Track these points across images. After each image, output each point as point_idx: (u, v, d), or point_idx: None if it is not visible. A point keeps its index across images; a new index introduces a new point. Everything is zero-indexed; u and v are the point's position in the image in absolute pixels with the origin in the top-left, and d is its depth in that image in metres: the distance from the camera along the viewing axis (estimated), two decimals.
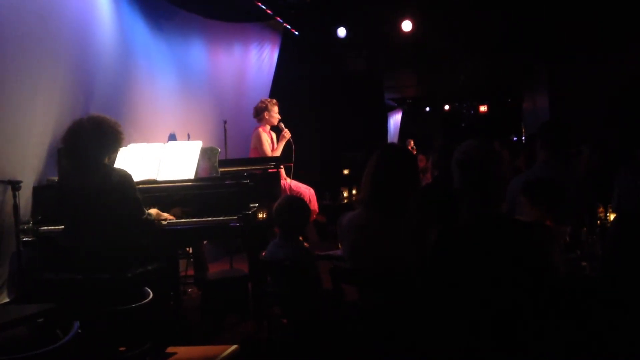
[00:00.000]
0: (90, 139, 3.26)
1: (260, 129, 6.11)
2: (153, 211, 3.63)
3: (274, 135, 6.22)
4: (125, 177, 3.31)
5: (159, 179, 4.08)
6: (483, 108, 18.39)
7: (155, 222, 3.60)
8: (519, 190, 3.29)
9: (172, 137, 5.78)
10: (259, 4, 7.45)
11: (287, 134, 6.06)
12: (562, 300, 2.34)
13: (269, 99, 6.26)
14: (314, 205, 6.26)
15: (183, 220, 3.87)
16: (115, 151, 3.45)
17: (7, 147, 3.98)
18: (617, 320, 2.48)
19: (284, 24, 8.59)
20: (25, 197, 3.98)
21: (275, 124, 6.17)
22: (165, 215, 3.78)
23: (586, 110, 8.63)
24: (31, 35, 4.11)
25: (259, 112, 6.16)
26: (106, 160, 3.35)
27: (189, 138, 5.56)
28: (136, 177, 3.66)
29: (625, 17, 8.11)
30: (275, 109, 6.16)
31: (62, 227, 3.54)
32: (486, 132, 16.22)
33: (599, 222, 3.26)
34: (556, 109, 9.81)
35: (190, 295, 5.16)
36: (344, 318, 2.80)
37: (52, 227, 3.82)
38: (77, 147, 3.28)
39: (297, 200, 3.65)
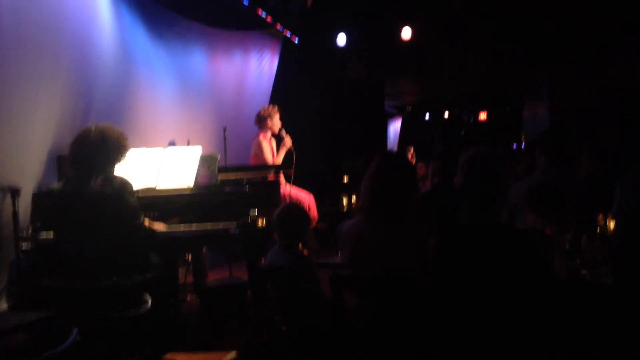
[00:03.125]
0: (95, 150, 3.30)
1: (262, 137, 6.09)
2: (145, 221, 3.62)
3: (274, 142, 6.22)
4: (125, 184, 3.32)
5: (159, 187, 4.08)
6: (483, 115, 18.37)
7: (149, 229, 3.60)
8: (519, 197, 3.29)
9: (172, 144, 5.77)
10: (259, 12, 7.47)
11: (288, 141, 6.05)
12: (563, 307, 2.34)
13: (272, 106, 6.23)
14: (314, 212, 6.25)
15: (182, 227, 3.87)
16: (119, 162, 3.46)
17: (6, 153, 3.98)
18: (620, 326, 2.47)
19: (284, 32, 8.60)
20: (24, 204, 3.97)
21: (277, 131, 6.15)
22: (156, 224, 3.77)
23: (587, 118, 8.62)
24: (31, 42, 4.11)
25: (262, 120, 6.14)
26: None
27: (188, 145, 5.55)
28: (135, 184, 3.65)
29: (626, 24, 8.12)
30: (278, 116, 6.15)
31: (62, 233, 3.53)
32: (486, 140, 16.20)
33: (598, 229, 3.25)
34: (556, 116, 9.81)
35: (190, 303, 5.15)
36: (343, 325, 2.80)
37: (52, 234, 3.81)
38: (81, 157, 3.31)
39: (297, 208, 3.64)
